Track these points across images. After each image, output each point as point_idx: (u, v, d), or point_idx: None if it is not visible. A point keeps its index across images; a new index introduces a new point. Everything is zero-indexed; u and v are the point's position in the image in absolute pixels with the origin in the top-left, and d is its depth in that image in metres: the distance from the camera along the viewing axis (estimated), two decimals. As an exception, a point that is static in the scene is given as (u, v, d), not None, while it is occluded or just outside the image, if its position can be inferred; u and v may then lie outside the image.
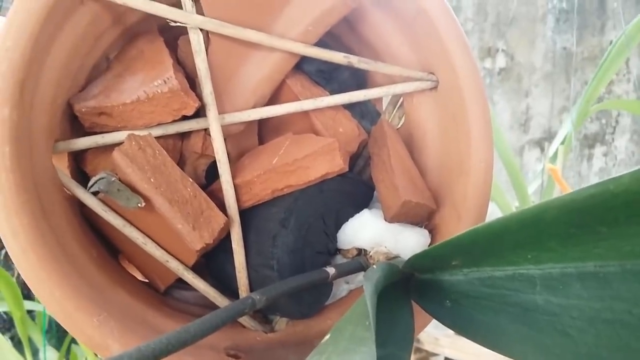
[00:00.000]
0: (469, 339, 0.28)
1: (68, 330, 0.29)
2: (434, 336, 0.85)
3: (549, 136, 1.80)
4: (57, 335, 1.28)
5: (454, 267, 0.30)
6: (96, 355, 1.12)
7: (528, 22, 1.87)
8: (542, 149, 1.85)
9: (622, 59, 1.15)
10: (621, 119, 1.67)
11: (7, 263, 1.35)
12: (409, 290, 0.31)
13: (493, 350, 0.27)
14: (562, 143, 1.08)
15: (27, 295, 1.26)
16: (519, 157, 1.88)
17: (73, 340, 1.14)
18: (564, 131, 1.09)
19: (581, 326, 0.26)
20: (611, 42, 1.21)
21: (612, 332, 0.25)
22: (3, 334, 1.37)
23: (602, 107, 1.36)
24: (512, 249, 0.28)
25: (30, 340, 1.08)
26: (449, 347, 0.83)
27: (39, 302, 1.15)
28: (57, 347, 1.19)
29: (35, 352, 1.12)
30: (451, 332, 0.96)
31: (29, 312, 1.12)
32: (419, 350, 0.87)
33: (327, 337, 0.27)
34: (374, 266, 0.29)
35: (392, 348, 0.29)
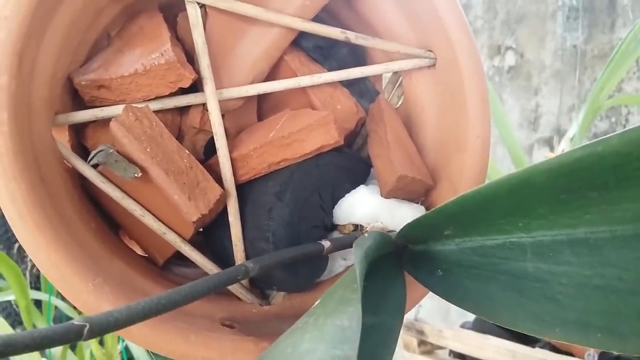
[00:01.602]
0: (459, 306, 0.28)
1: (64, 295, 0.29)
2: (438, 328, 0.84)
3: (559, 134, 1.79)
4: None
5: (447, 237, 0.30)
6: (100, 343, 1.13)
7: (538, 19, 1.86)
8: (552, 148, 1.84)
9: (633, 55, 1.15)
10: (631, 117, 1.65)
11: (21, 255, 1.36)
12: (402, 261, 0.32)
13: (482, 317, 0.28)
14: (572, 140, 1.08)
15: (35, 285, 1.27)
16: (528, 156, 1.87)
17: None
18: (574, 129, 1.09)
19: (571, 292, 0.26)
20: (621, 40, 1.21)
21: (602, 298, 0.25)
22: (14, 327, 1.38)
23: (613, 103, 1.35)
24: (503, 216, 0.28)
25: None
26: (452, 340, 0.82)
27: (45, 292, 1.16)
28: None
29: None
30: (455, 324, 0.96)
31: (36, 302, 1.13)
32: (423, 343, 0.87)
33: (317, 301, 0.27)
34: (366, 234, 0.29)
35: (383, 316, 0.29)
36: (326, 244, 0.34)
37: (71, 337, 0.22)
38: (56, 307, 1.36)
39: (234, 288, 0.36)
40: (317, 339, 0.24)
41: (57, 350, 1.16)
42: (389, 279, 0.31)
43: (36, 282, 1.34)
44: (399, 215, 0.36)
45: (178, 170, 0.32)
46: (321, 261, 0.36)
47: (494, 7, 1.97)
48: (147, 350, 1.13)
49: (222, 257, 0.37)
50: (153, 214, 0.34)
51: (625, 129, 0.24)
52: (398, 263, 0.31)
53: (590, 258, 0.26)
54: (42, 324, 1.16)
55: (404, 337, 0.87)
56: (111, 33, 0.39)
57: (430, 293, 0.31)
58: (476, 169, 0.36)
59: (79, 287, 0.29)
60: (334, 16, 0.42)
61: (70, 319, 1.26)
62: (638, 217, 0.25)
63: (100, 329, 0.23)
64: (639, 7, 1.61)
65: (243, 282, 0.36)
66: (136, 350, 1.18)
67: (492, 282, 0.28)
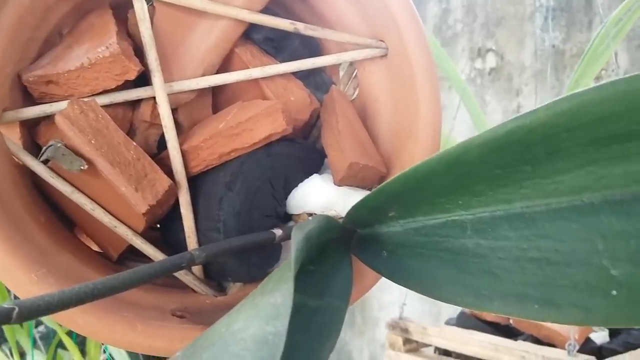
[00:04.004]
0: (403, 285, 0.29)
1: (8, 286, 0.29)
2: (422, 326, 0.84)
3: (541, 134, 1.79)
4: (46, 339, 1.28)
5: (391, 218, 0.30)
6: (83, 357, 1.12)
7: (516, 21, 1.88)
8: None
9: (607, 51, 1.16)
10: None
11: None
12: (349, 245, 0.32)
13: (424, 294, 0.28)
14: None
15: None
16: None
17: (59, 345, 1.14)
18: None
19: (508, 266, 0.26)
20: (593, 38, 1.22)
21: (538, 270, 0.26)
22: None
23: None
24: (443, 194, 0.28)
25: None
26: (437, 337, 0.82)
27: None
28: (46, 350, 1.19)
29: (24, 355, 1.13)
30: (429, 318, 0.95)
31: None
32: (408, 341, 0.87)
33: (260, 285, 0.27)
34: (310, 218, 0.30)
35: (329, 298, 0.29)
36: (278, 232, 0.34)
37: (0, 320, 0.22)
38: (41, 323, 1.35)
39: (188, 280, 0.36)
40: (251, 317, 0.24)
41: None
42: (336, 262, 0.31)
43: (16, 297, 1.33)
44: (352, 202, 0.36)
45: (124, 162, 0.32)
46: (274, 250, 0.36)
47: (473, 11, 1.98)
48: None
49: (178, 250, 0.37)
50: (104, 208, 0.34)
51: (553, 100, 0.24)
52: (345, 247, 0.31)
53: (527, 231, 0.26)
54: (24, 338, 1.15)
55: (389, 336, 0.87)
56: (63, 31, 0.39)
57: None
58: (428, 155, 0.36)
59: (22, 278, 0.29)
60: (288, 10, 0.42)
61: (54, 332, 1.24)
62: (571, 189, 0.25)
63: (31, 312, 0.23)
64: (616, 4, 1.63)
65: (197, 273, 0.36)
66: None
67: (434, 260, 0.28)
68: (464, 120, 1.53)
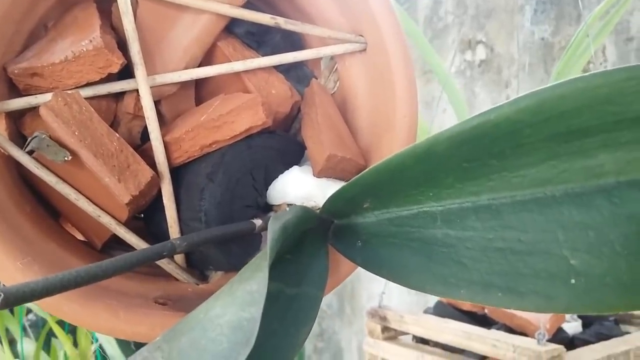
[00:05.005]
0: (375, 273, 0.30)
1: (-7, 274, 0.30)
2: (400, 314, 0.86)
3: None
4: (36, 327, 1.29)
5: (366, 209, 0.31)
6: (75, 346, 1.13)
7: (506, 13, 1.89)
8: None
9: (584, 56, 1.17)
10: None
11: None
12: (326, 235, 0.33)
13: (395, 282, 0.29)
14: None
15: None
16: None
17: (51, 333, 1.15)
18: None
19: (475, 255, 0.27)
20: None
21: (503, 259, 0.27)
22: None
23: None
24: (414, 186, 0.29)
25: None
26: (413, 325, 0.84)
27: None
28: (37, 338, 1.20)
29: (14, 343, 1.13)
30: (417, 309, 0.97)
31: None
32: (387, 329, 0.88)
33: (238, 273, 0.28)
34: (287, 209, 0.31)
35: (305, 287, 0.30)
36: (258, 222, 0.35)
37: (-16, 306, 0.23)
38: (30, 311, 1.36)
39: (171, 269, 0.37)
40: (228, 304, 0.25)
41: (29, 352, 1.16)
42: (313, 252, 0.32)
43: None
44: (331, 194, 0.37)
45: (107, 153, 0.33)
46: (254, 239, 0.37)
47: (463, 3, 1.99)
48: (121, 349, 1.14)
49: (161, 240, 0.38)
50: (88, 198, 0.35)
51: (516, 97, 0.26)
52: (322, 237, 0.33)
53: (493, 222, 0.27)
54: (13, 326, 1.16)
55: (368, 324, 0.88)
56: (48, 24, 0.40)
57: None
58: (404, 147, 0.37)
59: (7, 266, 0.30)
60: (271, 5, 0.43)
61: (43, 320, 1.25)
62: (534, 182, 0.27)
63: (16, 298, 0.24)
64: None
65: (179, 262, 0.37)
66: (110, 349, 1.18)
67: (405, 249, 0.29)
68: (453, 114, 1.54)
